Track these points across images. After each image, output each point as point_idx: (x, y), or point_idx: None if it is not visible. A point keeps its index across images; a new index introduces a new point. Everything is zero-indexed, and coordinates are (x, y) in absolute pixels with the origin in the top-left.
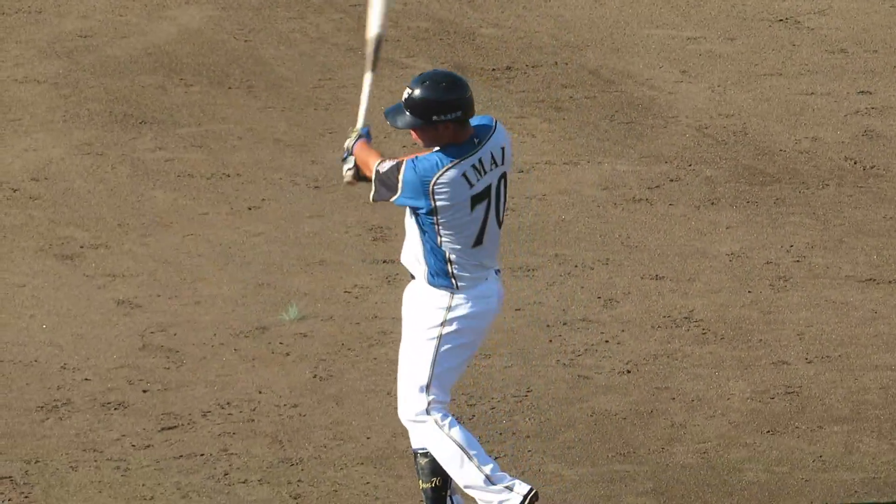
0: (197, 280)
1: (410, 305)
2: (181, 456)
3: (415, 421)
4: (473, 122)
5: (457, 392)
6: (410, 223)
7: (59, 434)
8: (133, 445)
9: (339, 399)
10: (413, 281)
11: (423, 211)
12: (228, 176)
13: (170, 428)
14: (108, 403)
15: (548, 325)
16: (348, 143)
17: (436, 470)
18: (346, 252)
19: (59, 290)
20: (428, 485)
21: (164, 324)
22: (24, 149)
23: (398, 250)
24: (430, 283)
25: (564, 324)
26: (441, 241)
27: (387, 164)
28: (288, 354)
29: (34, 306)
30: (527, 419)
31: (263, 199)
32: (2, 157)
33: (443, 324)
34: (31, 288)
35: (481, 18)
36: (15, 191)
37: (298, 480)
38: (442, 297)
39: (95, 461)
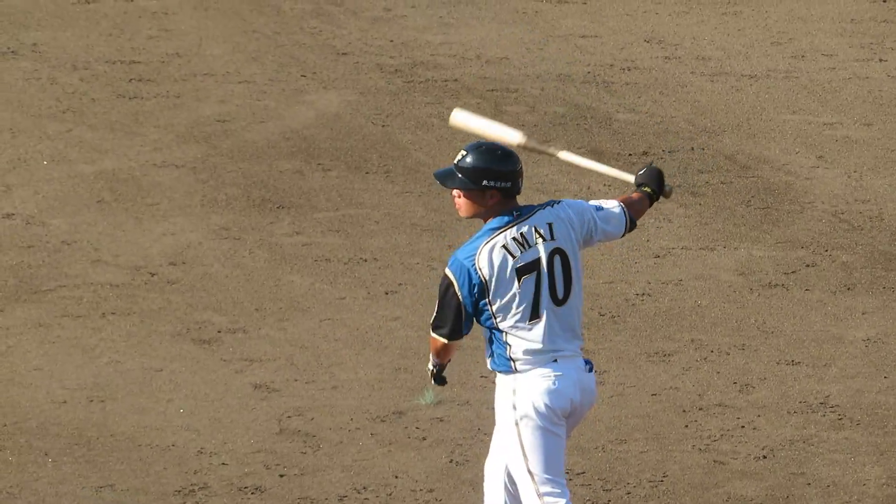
0: (334, 364)
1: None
2: None
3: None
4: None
5: (592, 477)
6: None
7: None
8: None
9: (475, 484)
10: None
11: (476, 291)
12: (366, 260)
13: None
14: (245, 488)
15: (684, 410)
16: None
17: None
18: (482, 337)
19: (197, 375)
20: None
21: (300, 408)
22: (163, 233)
23: None
24: (494, 369)
25: (700, 409)
26: (497, 322)
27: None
28: (424, 439)
29: (172, 390)
30: None
31: (400, 284)
32: (140, 241)
33: (514, 408)
34: (168, 372)
35: (618, 103)
36: (153, 275)
37: None
38: (506, 381)
39: None
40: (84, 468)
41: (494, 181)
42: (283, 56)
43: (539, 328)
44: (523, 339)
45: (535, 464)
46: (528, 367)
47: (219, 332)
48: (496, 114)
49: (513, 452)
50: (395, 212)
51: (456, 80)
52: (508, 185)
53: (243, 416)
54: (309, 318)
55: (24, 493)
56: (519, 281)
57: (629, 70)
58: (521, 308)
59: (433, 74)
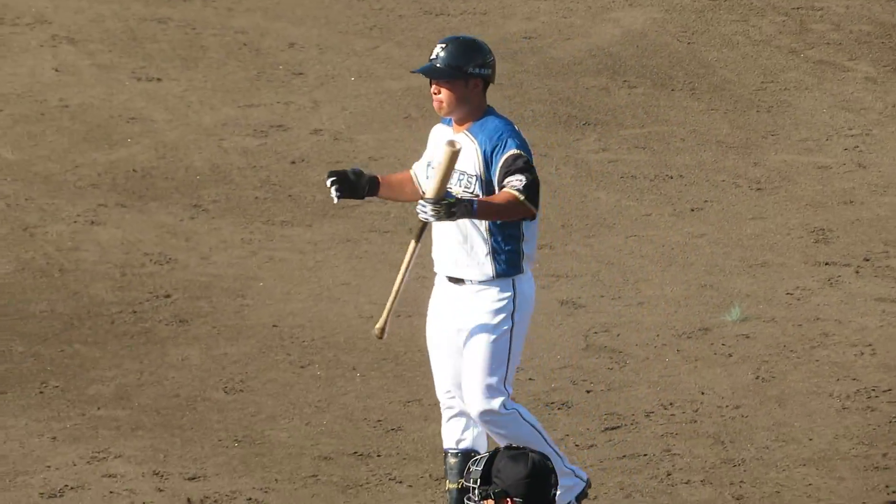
0: (640, 281)
1: (464, 316)
2: (624, 456)
3: (498, 414)
4: None
5: None
6: (471, 225)
7: None
8: (577, 445)
9: (781, 400)
10: (449, 289)
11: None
12: (671, 177)
13: (613, 428)
14: (552, 403)
15: None
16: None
17: (462, 471)
18: (787, 254)
19: None
20: (454, 485)
21: (607, 324)
22: None
23: (841, 253)
24: (498, 276)
25: None
26: None
27: (524, 174)
28: (730, 356)
29: None
30: None
31: (706, 201)
32: None
33: (511, 316)
34: None
35: None
36: None
37: (741, 482)
38: (505, 287)
39: None
40: (392, 383)
41: (479, 68)
42: None
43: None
44: (533, 236)
45: (513, 366)
46: (527, 266)
47: None
48: (801, 31)
49: (498, 362)
50: (701, 129)
51: None
52: (489, 72)
53: (550, 332)
54: (615, 234)
55: (332, 408)
56: None
57: None
58: None
59: None
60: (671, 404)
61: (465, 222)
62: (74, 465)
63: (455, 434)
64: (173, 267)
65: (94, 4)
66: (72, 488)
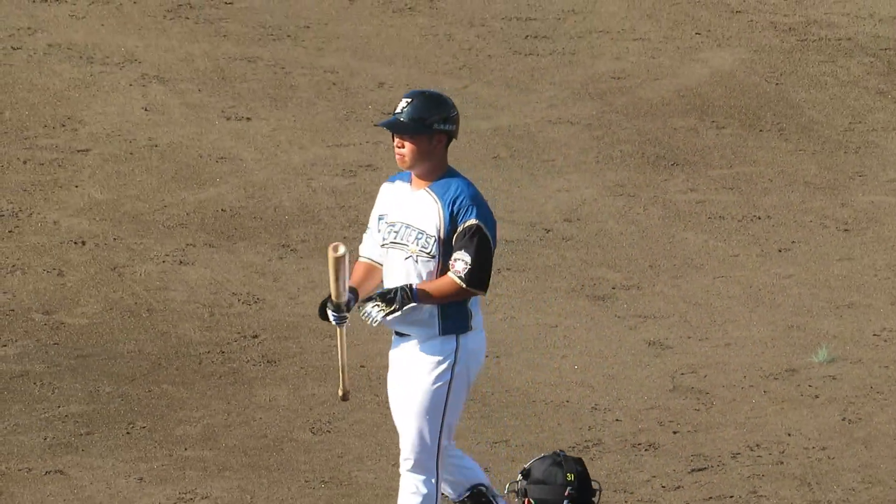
0: (727, 322)
1: (406, 366)
2: (710, 498)
3: (424, 470)
4: None
5: None
6: (418, 282)
7: (592, 474)
8: (663, 486)
9: (867, 442)
10: (403, 343)
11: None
12: (759, 218)
13: (699, 469)
14: (639, 444)
15: None
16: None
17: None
18: (875, 295)
19: (591, 331)
20: None
21: (694, 365)
22: (557, 189)
23: None
24: (442, 333)
25: None
26: None
27: (473, 253)
28: (817, 397)
29: (566, 346)
30: None
31: (794, 242)
32: (535, 197)
33: (452, 369)
34: (563, 328)
35: None
36: (548, 231)
37: None
38: (448, 342)
39: (626, 502)
40: (479, 423)
41: (443, 124)
42: (677, 14)
43: None
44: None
45: (449, 421)
46: (475, 324)
47: (613, 288)
48: (889, 72)
49: (433, 413)
50: (789, 169)
51: (849, 38)
52: (453, 128)
53: (637, 373)
54: (702, 275)
55: None
56: None
57: None
58: None
59: (827, 33)
60: (758, 446)
61: (413, 280)
62: None
63: (458, 482)
64: (261, 307)
65: (183, 44)
66: None
